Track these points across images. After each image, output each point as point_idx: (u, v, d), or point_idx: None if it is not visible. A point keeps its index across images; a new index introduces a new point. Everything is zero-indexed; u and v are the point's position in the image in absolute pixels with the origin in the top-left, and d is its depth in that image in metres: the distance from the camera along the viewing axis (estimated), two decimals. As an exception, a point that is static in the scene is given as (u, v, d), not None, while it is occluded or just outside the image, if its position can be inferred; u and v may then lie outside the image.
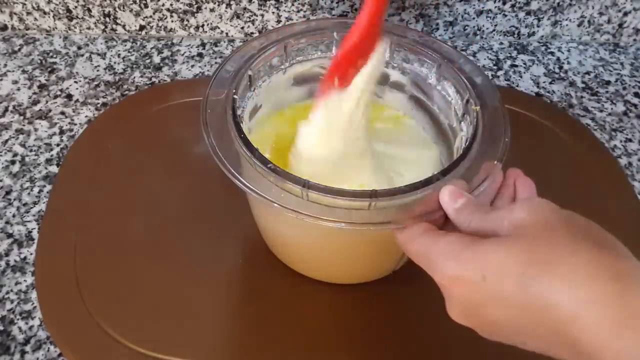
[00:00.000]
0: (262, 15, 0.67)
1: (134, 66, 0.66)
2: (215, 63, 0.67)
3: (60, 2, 0.66)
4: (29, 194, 0.53)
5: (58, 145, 0.57)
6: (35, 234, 0.50)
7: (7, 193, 0.53)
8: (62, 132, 0.58)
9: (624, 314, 0.24)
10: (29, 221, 0.51)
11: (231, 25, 0.68)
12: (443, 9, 0.67)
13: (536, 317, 0.27)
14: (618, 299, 0.25)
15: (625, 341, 0.24)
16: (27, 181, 0.54)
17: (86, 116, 0.60)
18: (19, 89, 0.62)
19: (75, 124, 0.59)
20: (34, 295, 0.46)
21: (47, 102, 0.61)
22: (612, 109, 0.64)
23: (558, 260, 0.27)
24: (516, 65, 0.68)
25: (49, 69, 0.65)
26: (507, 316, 0.28)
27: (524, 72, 0.67)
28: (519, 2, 0.67)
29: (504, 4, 0.67)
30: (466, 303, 0.30)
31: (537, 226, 0.29)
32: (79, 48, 0.68)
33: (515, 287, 0.27)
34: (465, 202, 0.33)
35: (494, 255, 0.28)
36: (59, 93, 0.62)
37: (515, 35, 0.71)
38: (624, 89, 0.66)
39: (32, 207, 0.52)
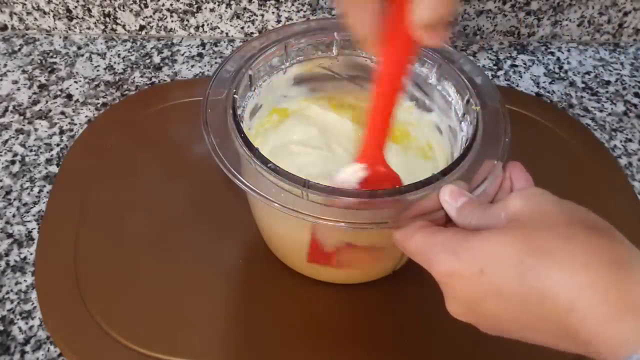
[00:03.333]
0: (262, 15, 0.67)
1: (134, 66, 0.66)
2: (215, 63, 0.67)
3: (60, 2, 0.66)
4: (29, 194, 0.53)
5: (58, 145, 0.57)
6: (35, 234, 0.50)
7: (7, 193, 0.53)
8: (62, 132, 0.58)
9: (619, 301, 0.24)
10: (29, 221, 0.51)
11: (231, 25, 0.68)
12: (443, 9, 0.67)
13: (535, 309, 0.27)
14: (613, 287, 0.25)
15: (620, 328, 0.24)
16: (27, 181, 0.54)
17: (86, 116, 0.60)
18: (19, 89, 0.62)
19: (75, 124, 0.59)
20: (34, 295, 0.46)
21: (47, 102, 0.61)
22: (612, 109, 0.64)
23: (555, 248, 0.27)
24: (516, 65, 0.68)
25: (49, 69, 0.65)
26: (506, 309, 0.28)
27: (524, 72, 0.67)
28: (519, 2, 0.67)
29: (504, 4, 0.67)
30: (465, 298, 0.30)
31: (532, 215, 0.29)
32: (79, 48, 0.68)
33: (513, 278, 0.27)
34: (467, 202, 0.33)
35: (490, 246, 0.28)
36: (59, 93, 0.62)
37: (515, 35, 0.71)
38: (624, 89, 0.66)
39: (32, 207, 0.52)
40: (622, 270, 0.25)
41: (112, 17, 0.67)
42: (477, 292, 0.29)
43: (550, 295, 0.26)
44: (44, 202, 0.52)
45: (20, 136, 0.58)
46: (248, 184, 0.35)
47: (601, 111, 0.63)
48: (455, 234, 0.30)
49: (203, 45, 0.69)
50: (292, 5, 0.66)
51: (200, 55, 0.67)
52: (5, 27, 0.68)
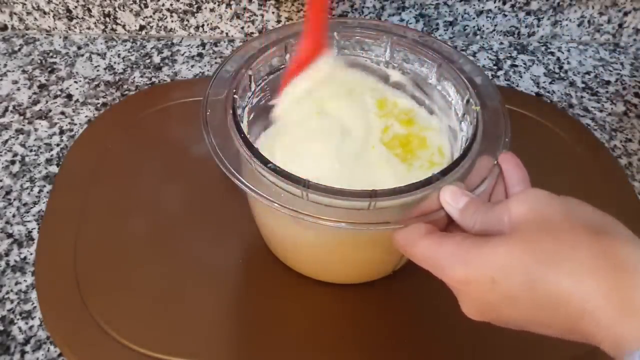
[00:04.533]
0: (262, 15, 0.67)
1: (134, 66, 0.66)
2: (215, 63, 0.67)
3: (60, 2, 0.66)
4: (29, 194, 0.53)
5: (58, 145, 0.57)
6: (35, 234, 0.50)
7: (7, 193, 0.53)
8: (62, 132, 0.58)
9: (623, 304, 0.25)
10: (29, 221, 0.51)
11: (231, 25, 0.68)
12: (443, 9, 0.67)
13: (548, 313, 0.28)
14: (619, 290, 0.26)
15: (624, 328, 0.25)
16: (27, 181, 0.54)
17: (86, 116, 0.60)
18: (19, 89, 0.62)
19: (75, 124, 0.59)
20: (34, 295, 0.46)
21: (47, 102, 0.61)
22: (612, 109, 0.64)
23: (561, 255, 0.27)
24: (516, 65, 0.68)
25: (49, 69, 0.65)
26: (520, 313, 0.29)
27: (524, 72, 0.67)
28: (519, 2, 0.67)
29: (504, 4, 0.67)
30: (479, 303, 0.30)
31: (535, 220, 0.29)
32: (79, 48, 0.68)
33: (523, 286, 0.28)
34: (468, 202, 0.33)
35: (499, 256, 0.29)
36: (59, 93, 0.62)
37: (515, 35, 0.71)
38: (624, 89, 0.66)
39: (32, 207, 0.52)
40: (626, 274, 0.26)
41: (112, 17, 0.67)
42: (490, 298, 0.29)
43: (561, 301, 0.27)
44: (44, 202, 0.52)
45: (20, 136, 0.58)
46: (248, 184, 0.35)
47: (601, 111, 0.63)
48: (463, 241, 0.30)
49: (203, 45, 0.69)
50: (292, 5, 0.66)
51: (200, 55, 0.67)
52: (5, 27, 0.68)
